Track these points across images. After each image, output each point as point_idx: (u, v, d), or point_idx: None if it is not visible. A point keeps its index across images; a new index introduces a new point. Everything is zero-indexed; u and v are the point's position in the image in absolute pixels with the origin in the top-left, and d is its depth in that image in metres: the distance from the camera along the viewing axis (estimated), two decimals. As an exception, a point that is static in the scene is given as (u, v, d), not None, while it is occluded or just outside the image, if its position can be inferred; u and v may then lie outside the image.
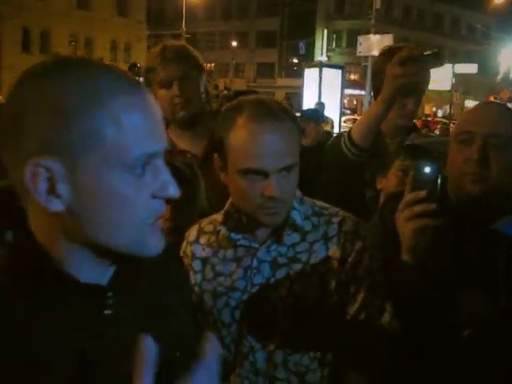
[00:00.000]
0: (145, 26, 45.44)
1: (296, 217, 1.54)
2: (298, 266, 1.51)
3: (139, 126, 0.87)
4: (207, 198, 2.04)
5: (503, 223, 1.23)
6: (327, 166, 2.26)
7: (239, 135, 1.42)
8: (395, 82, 1.99)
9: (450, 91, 28.55)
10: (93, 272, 0.93)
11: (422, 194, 1.45)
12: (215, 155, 1.52)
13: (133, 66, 15.63)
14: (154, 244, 0.93)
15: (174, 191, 0.91)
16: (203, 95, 2.47)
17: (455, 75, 26.22)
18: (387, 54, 2.45)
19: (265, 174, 1.41)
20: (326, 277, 1.50)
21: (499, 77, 43.26)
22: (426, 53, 2.01)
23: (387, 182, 2.40)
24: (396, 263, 1.53)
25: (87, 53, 40.03)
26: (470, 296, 1.57)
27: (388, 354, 1.51)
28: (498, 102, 2.13)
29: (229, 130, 1.44)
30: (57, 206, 0.85)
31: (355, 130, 2.11)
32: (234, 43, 51.31)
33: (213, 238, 1.62)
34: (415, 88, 2.28)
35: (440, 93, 31.15)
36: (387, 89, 2.01)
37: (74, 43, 40.71)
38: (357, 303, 1.51)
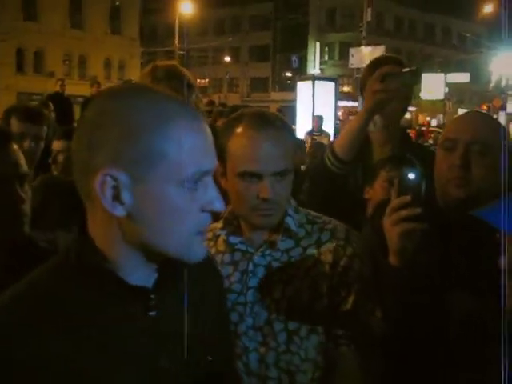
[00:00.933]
0: (138, 43, 45.63)
1: (290, 223, 1.62)
2: (291, 270, 1.59)
3: (196, 146, 0.98)
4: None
5: (483, 210, 1.28)
6: (311, 178, 2.31)
7: (237, 141, 1.54)
8: (375, 97, 2.10)
9: (442, 100, 28.73)
10: (141, 275, 1.03)
11: (407, 198, 1.51)
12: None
13: (127, 83, 15.71)
14: (199, 251, 1.04)
15: (219, 206, 1.02)
16: None
17: (448, 84, 26.40)
18: (369, 67, 2.54)
19: (259, 177, 1.52)
20: (318, 280, 1.58)
21: (491, 85, 43.50)
22: (404, 70, 2.13)
23: (374, 193, 2.47)
24: (384, 267, 1.59)
25: (81, 71, 40.23)
26: (457, 297, 1.62)
27: (377, 355, 1.56)
28: (480, 110, 2.21)
29: (229, 138, 1.56)
30: (120, 211, 0.96)
31: (337, 144, 2.19)
32: (227, 58, 51.58)
33: (211, 244, 1.70)
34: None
35: (433, 102, 31.34)
36: (367, 103, 2.11)
37: (67, 62, 40.84)
38: (347, 306, 1.57)
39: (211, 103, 16.25)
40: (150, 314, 1.03)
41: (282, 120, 1.61)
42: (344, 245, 1.61)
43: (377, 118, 2.39)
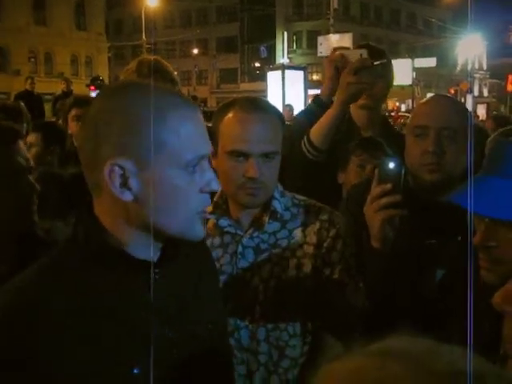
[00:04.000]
0: (105, 38, 45.13)
1: (277, 206, 1.69)
2: (278, 251, 1.67)
3: (192, 134, 1.09)
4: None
5: (453, 194, 1.36)
6: (290, 164, 2.38)
7: (228, 123, 1.63)
8: (349, 89, 2.20)
9: (411, 85, 29.01)
10: (146, 252, 1.11)
11: (388, 187, 1.59)
12: None
13: (95, 79, 15.53)
14: (199, 230, 1.14)
15: (216, 186, 1.13)
16: None
17: (415, 69, 26.67)
18: None
19: (247, 156, 1.60)
20: (303, 260, 1.66)
21: (458, 69, 44.11)
22: (375, 62, 2.24)
23: (347, 178, 2.56)
24: (367, 251, 1.67)
25: (48, 68, 39.67)
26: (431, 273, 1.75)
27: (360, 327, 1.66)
28: (445, 94, 2.34)
29: (221, 120, 1.65)
30: (128, 196, 1.06)
31: (314, 132, 2.27)
32: (195, 50, 51.30)
33: None
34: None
35: (402, 87, 31.61)
36: (342, 95, 2.22)
37: (33, 59, 40.23)
38: (331, 284, 1.66)
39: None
40: (154, 287, 1.11)
41: (273, 106, 1.71)
42: (328, 227, 1.69)
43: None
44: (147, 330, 1.08)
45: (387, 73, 2.63)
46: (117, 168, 1.04)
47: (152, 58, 2.67)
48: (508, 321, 0.91)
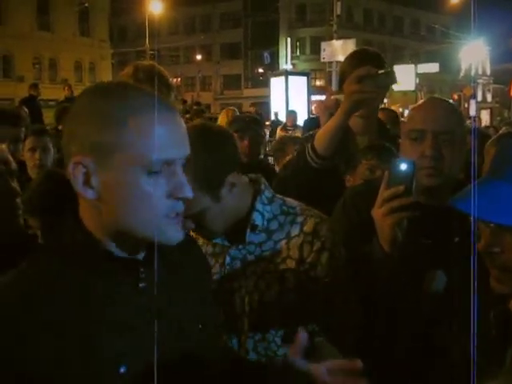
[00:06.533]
0: (108, 44, 45.21)
1: (257, 219, 1.66)
2: (263, 264, 1.66)
3: (161, 137, 1.05)
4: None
5: (455, 199, 1.34)
6: (293, 172, 2.38)
7: None
8: (353, 98, 2.19)
9: (414, 91, 29.00)
10: (129, 250, 1.12)
11: (401, 189, 1.55)
12: None
13: (99, 85, 15.55)
14: (173, 235, 1.11)
15: (188, 193, 1.09)
16: None
17: (418, 75, 26.66)
18: (349, 60, 2.65)
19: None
20: (286, 274, 1.64)
21: (461, 74, 44.09)
22: (380, 72, 2.24)
23: (355, 181, 2.54)
24: (376, 254, 1.64)
25: (52, 74, 39.74)
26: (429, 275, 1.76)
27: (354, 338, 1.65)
28: (441, 98, 2.32)
29: None
30: (91, 194, 1.06)
31: (318, 140, 2.27)
32: (199, 56, 51.38)
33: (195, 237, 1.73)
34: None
35: (405, 93, 31.60)
36: (346, 103, 2.21)
37: (37, 65, 40.30)
38: (319, 299, 1.63)
39: (183, 102, 16.21)
40: (140, 285, 1.11)
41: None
42: (311, 240, 1.64)
43: None
44: (134, 328, 1.08)
45: (389, 82, 2.64)
46: (80, 166, 1.05)
47: (148, 63, 2.69)
48: None
